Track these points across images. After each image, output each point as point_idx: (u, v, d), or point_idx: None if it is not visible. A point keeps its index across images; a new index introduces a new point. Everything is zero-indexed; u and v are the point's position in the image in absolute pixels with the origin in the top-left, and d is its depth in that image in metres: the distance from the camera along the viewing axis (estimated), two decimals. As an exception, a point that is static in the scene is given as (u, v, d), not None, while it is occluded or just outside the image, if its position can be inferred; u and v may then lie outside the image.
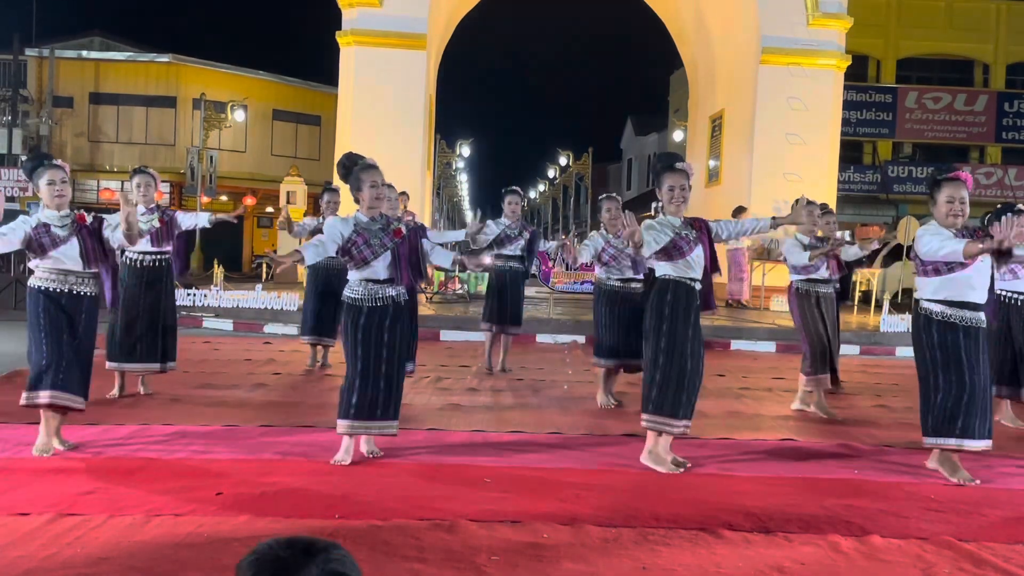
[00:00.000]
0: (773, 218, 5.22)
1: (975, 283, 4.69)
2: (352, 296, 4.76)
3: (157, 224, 6.41)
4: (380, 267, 4.72)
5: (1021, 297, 6.38)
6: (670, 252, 4.82)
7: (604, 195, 7.18)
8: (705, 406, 6.88)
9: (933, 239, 4.62)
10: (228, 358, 8.90)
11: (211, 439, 5.16)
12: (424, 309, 13.04)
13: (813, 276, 6.67)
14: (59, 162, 4.96)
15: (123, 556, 3.22)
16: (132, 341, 6.35)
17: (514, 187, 8.26)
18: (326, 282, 7.93)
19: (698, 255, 4.89)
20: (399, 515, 3.77)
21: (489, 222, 8.11)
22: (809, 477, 4.77)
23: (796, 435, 5.89)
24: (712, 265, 4.96)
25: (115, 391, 6.45)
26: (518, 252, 8.06)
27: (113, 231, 4.89)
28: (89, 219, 4.93)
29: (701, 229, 4.95)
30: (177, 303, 12.52)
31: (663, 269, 4.89)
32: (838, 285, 6.85)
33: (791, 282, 6.82)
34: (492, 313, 8.13)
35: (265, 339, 10.92)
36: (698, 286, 4.88)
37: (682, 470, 4.77)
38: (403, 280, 4.76)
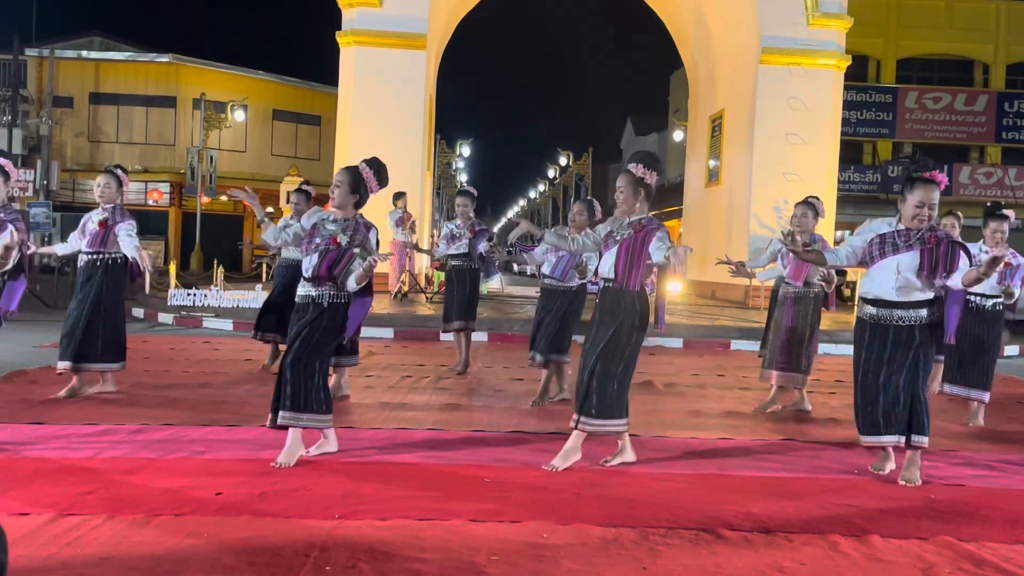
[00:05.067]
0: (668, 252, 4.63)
1: (884, 281, 4.70)
2: (297, 292, 4.87)
3: (97, 227, 6.36)
4: (308, 264, 4.76)
5: (976, 299, 6.45)
6: (601, 251, 4.94)
7: (585, 198, 7.22)
8: (705, 406, 6.90)
9: (856, 237, 4.83)
10: (228, 358, 8.89)
11: (211, 439, 5.16)
12: (424, 309, 13.05)
13: (785, 278, 6.79)
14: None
15: (123, 556, 3.22)
16: (65, 340, 6.36)
17: (466, 188, 8.48)
18: (291, 281, 7.79)
19: (609, 255, 4.81)
20: (399, 515, 3.77)
21: (445, 223, 8.56)
22: (809, 477, 4.77)
23: (796, 435, 5.89)
24: (630, 272, 4.69)
25: (62, 392, 6.34)
26: (463, 250, 8.18)
27: None
28: None
29: (639, 232, 4.74)
30: (176, 303, 12.60)
31: None
32: (817, 289, 6.70)
33: None
34: (445, 313, 8.30)
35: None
36: (603, 283, 4.86)
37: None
38: (319, 284, 4.71)
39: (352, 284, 4.70)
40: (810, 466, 5.02)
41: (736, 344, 11.46)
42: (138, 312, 12.82)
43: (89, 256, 6.41)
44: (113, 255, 6.43)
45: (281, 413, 4.65)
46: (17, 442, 4.87)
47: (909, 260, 4.62)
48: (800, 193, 15.61)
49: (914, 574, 3.33)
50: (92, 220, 6.45)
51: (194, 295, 13.00)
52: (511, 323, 11.94)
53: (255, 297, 12.71)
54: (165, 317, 12.53)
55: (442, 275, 15.92)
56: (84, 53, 29.99)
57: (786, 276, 6.73)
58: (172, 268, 14.15)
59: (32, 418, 5.39)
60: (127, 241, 6.32)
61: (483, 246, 8.24)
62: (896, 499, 4.34)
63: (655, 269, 4.83)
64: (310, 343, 4.70)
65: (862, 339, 4.82)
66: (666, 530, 3.70)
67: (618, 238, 4.80)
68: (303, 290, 4.79)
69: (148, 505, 3.80)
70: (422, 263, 16.92)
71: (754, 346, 11.38)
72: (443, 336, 11.01)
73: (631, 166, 4.85)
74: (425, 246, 17.48)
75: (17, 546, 3.28)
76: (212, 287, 13.55)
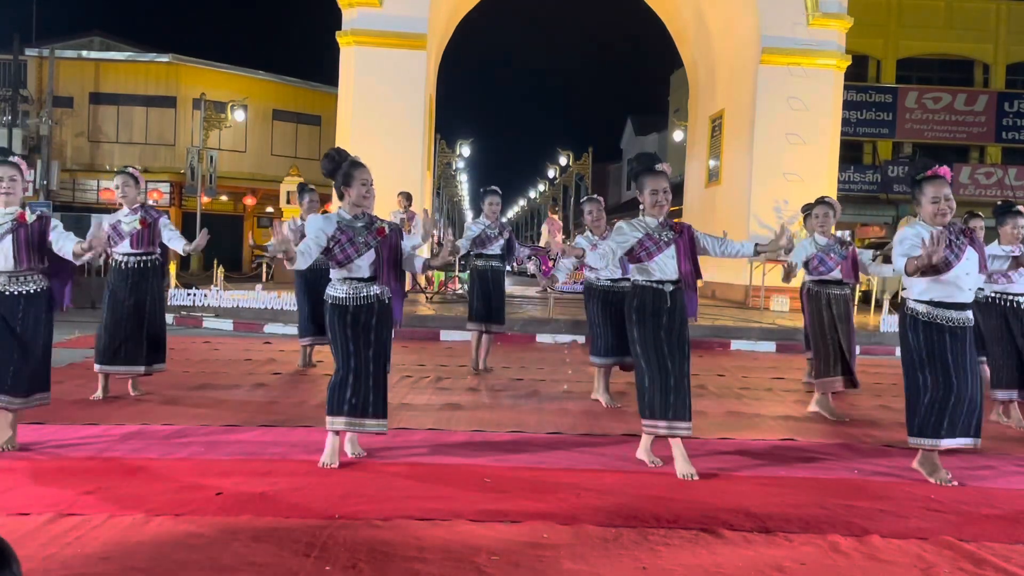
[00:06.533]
0: (756, 244, 5.02)
1: (962, 284, 4.66)
2: (336, 296, 4.71)
3: (138, 226, 6.34)
4: (363, 265, 4.68)
5: (1016, 299, 6.37)
6: (637, 254, 4.82)
7: (586, 197, 7.23)
8: (705, 406, 6.89)
9: (897, 255, 4.63)
10: (228, 358, 8.90)
11: (211, 439, 5.16)
12: (424, 309, 13.05)
13: (825, 277, 6.61)
14: (14, 159, 4.90)
15: (123, 556, 3.22)
16: (116, 344, 6.33)
17: (493, 187, 8.32)
18: (315, 282, 7.79)
19: (667, 257, 4.80)
20: (399, 515, 3.77)
21: (468, 223, 8.41)
22: (809, 477, 4.77)
23: (796, 435, 5.89)
24: (693, 271, 4.87)
25: (99, 393, 6.41)
26: (498, 251, 8.21)
27: (60, 240, 4.79)
28: (31, 218, 4.81)
29: (681, 233, 4.86)
30: (177, 303, 12.61)
31: (634, 274, 4.94)
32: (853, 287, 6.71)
33: (803, 283, 6.81)
34: (477, 312, 8.26)
35: (265, 339, 10.92)
36: (668, 288, 4.81)
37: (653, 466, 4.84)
38: (384, 280, 4.71)
39: (416, 261, 4.89)
40: (810, 466, 5.02)
41: (736, 344, 11.46)
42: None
43: (137, 258, 6.39)
44: (159, 255, 6.49)
45: (379, 422, 4.73)
46: (18, 442, 4.86)
47: (973, 259, 4.67)
48: (800, 193, 15.64)
49: (914, 574, 3.33)
50: (126, 223, 6.37)
51: (194, 295, 13.00)
52: (511, 323, 11.94)
53: (255, 297, 12.72)
54: (165, 317, 12.52)
55: (442, 275, 15.94)
56: (84, 53, 29.96)
57: (842, 276, 6.57)
58: (172, 268, 14.14)
59: (32, 418, 5.39)
60: (172, 234, 6.44)
61: (523, 253, 8.41)
62: (896, 499, 4.34)
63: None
64: (390, 347, 4.82)
65: (942, 345, 4.64)
66: (666, 530, 3.70)
67: (664, 240, 4.81)
68: (360, 291, 4.69)
69: (148, 505, 3.80)
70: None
71: (753, 346, 11.41)
72: (446, 336, 11.02)
73: (663, 167, 4.88)
74: (426, 246, 17.44)
75: (17, 546, 3.28)
76: (212, 287, 13.54)
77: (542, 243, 20.11)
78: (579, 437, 5.59)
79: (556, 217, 17.73)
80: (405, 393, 7.04)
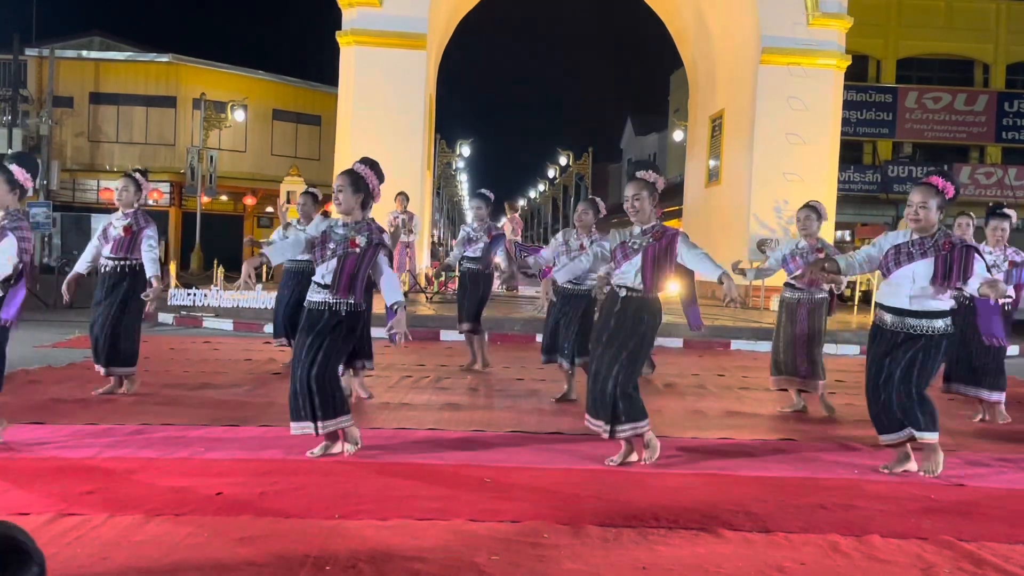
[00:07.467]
0: (723, 273, 4.68)
1: (901, 291, 4.73)
2: (307, 298, 4.79)
3: (121, 233, 6.35)
4: (325, 272, 4.69)
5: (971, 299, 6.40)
6: (611, 260, 4.96)
7: (588, 197, 7.28)
8: (705, 406, 6.91)
9: (872, 247, 5.00)
10: (228, 358, 8.90)
11: (211, 439, 5.16)
12: (424, 309, 13.05)
13: (790, 280, 6.70)
14: (12, 166, 4.89)
15: (123, 556, 3.22)
16: (94, 343, 6.47)
17: (480, 191, 8.44)
18: (298, 285, 7.67)
19: (630, 265, 4.82)
20: (399, 515, 3.77)
21: (463, 226, 8.73)
22: (809, 477, 4.77)
23: (796, 435, 5.89)
24: (651, 278, 4.74)
25: (102, 388, 6.57)
26: (476, 254, 8.31)
27: None
28: None
29: (660, 239, 4.80)
30: (176, 303, 12.60)
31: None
32: (825, 294, 6.65)
33: None
34: (458, 312, 8.51)
35: (265, 339, 10.91)
36: (622, 293, 4.83)
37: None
38: (339, 291, 4.64)
39: (389, 287, 4.71)
40: (810, 466, 5.02)
41: (736, 344, 11.45)
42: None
43: (114, 262, 6.41)
44: (139, 261, 6.46)
45: (321, 424, 4.67)
46: (17, 442, 4.87)
47: (924, 268, 4.68)
48: (800, 193, 15.64)
49: (914, 574, 3.33)
50: (115, 226, 6.42)
51: (194, 295, 13.00)
52: (511, 323, 11.95)
53: (255, 297, 12.71)
54: (165, 317, 12.53)
55: (441, 275, 15.93)
56: (84, 53, 29.95)
57: (799, 282, 6.59)
58: (172, 268, 14.14)
59: (32, 418, 5.39)
60: (147, 253, 6.38)
61: (500, 256, 8.32)
62: (896, 499, 4.34)
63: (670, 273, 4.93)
64: (331, 355, 4.68)
65: (873, 343, 4.90)
66: (666, 530, 3.70)
67: (636, 247, 4.82)
68: (318, 296, 4.70)
69: (148, 505, 3.80)
70: (422, 263, 16.92)
71: (754, 346, 11.40)
72: (446, 336, 11.02)
73: (642, 173, 4.89)
74: (425, 245, 17.47)
75: (17, 546, 3.29)
76: (212, 287, 13.54)
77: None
78: (579, 437, 5.59)
79: (517, 215, 18.63)
80: (405, 393, 7.04)
